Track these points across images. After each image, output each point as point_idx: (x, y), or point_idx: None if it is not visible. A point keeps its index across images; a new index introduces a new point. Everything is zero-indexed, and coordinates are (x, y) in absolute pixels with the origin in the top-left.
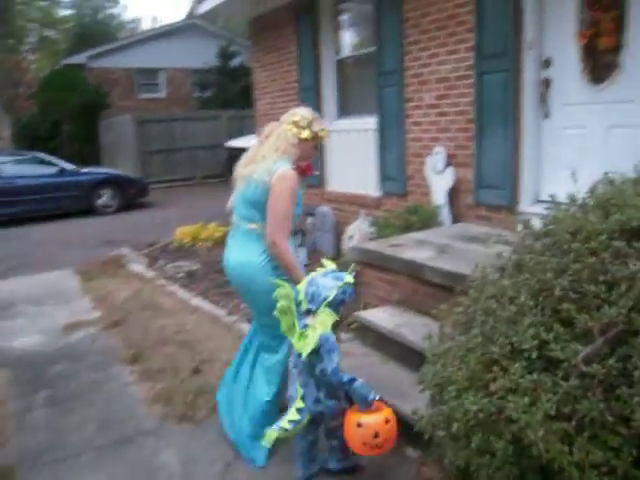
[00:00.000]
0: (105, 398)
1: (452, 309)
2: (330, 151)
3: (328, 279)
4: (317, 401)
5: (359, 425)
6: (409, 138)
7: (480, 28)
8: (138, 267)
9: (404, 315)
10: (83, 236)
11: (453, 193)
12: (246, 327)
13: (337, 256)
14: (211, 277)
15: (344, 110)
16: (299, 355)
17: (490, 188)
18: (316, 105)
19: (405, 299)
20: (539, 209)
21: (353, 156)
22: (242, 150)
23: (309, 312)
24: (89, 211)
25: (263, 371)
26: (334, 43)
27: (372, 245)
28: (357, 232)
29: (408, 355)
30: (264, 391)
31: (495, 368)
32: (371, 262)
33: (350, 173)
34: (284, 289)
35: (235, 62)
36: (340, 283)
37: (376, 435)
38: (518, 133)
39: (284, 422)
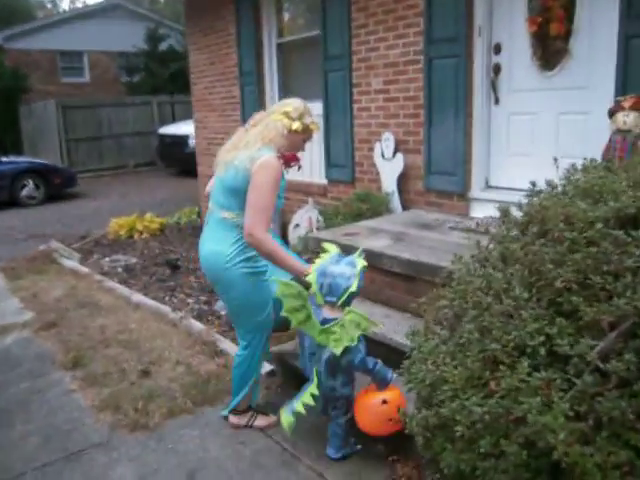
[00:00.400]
0: (46, 409)
1: (433, 303)
2: None
3: (342, 266)
4: (333, 389)
5: (384, 402)
6: (357, 124)
7: (430, 12)
8: (70, 262)
9: (362, 305)
10: (6, 230)
11: (403, 179)
12: (195, 323)
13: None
14: (151, 271)
15: (287, 95)
16: (318, 344)
17: (440, 174)
18: (257, 90)
19: (362, 289)
20: (490, 195)
21: None
22: (175, 137)
23: (327, 303)
24: (12, 203)
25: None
26: (276, 25)
27: (325, 234)
28: (303, 221)
29: (373, 348)
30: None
31: (500, 366)
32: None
33: None
34: (290, 288)
35: (164, 45)
36: (357, 270)
37: (398, 410)
38: (469, 119)
39: (298, 405)
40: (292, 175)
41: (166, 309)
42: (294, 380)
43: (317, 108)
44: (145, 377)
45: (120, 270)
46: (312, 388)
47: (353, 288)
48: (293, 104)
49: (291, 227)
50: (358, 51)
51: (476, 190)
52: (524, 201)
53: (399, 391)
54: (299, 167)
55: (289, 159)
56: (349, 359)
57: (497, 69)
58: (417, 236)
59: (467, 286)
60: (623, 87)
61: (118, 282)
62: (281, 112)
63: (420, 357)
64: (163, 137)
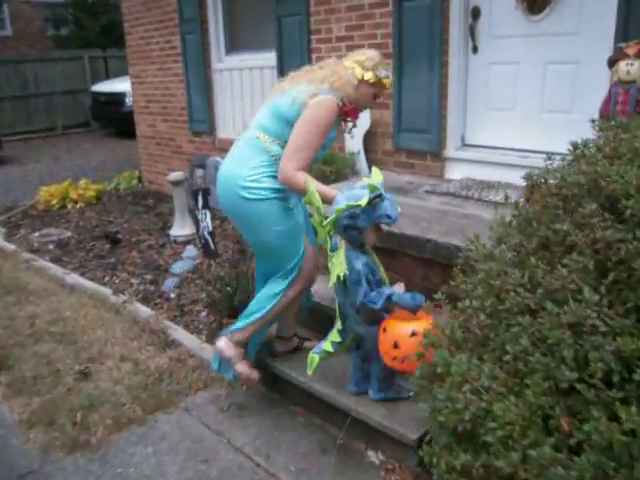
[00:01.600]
0: None
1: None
2: (220, 93)
3: (343, 196)
4: (357, 323)
5: (384, 330)
6: None
7: None
8: None
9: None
10: None
11: (369, 138)
12: (141, 308)
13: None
14: (88, 246)
15: (235, 45)
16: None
17: (412, 132)
18: (201, 39)
19: None
20: (467, 154)
21: (249, 98)
22: (110, 95)
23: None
24: None
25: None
26: None
27: None
28: None
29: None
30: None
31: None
32: None
33: (246, 118)
34: (313, 196)
35: None
36: (341, 205)
37: (395, 345)
38: (444, 69)
39: (326, 344)
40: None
41: (106, 292)
42: (261, 377)
43: (269, 59)
44: (84, 379)
45: (52, 246)
46: (339, 324)
47: (329, 219)
48: (367, 53)
49: None
50: None
51: (451, 149)
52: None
53: (410, 328)
54: (353, 126)
55: (348, 112)
56: (351, 301)
57: (476, 13)
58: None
59: (499, 280)
60: (624, 32)
61: (50, 261)
62: (354, 60)
63: (452, 380)
64: (97, 95)
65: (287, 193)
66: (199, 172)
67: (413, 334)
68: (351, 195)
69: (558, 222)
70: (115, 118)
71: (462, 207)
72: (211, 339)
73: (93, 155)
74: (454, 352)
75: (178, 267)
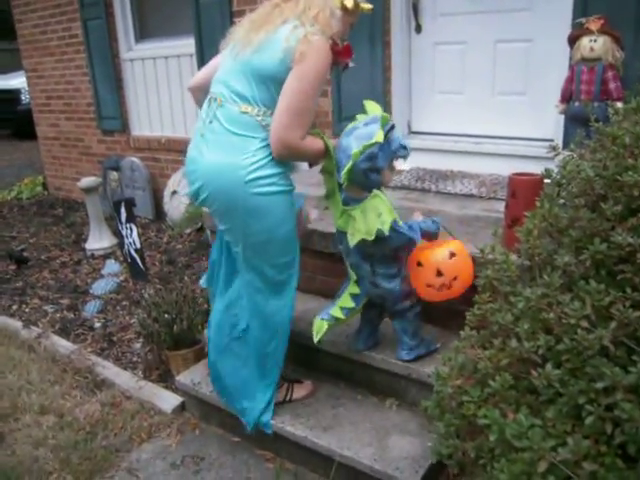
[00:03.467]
0: None
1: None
2: (132, 85)
3: (351, 139)
4: (374, 285)
5: (419, 264)
6: None
7: None
8: None
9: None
10: None
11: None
12: (60, 342)
13: (157, 219)
14: None
15: (147, 31)
16: (338, 229)
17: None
18: (106, 26)
19: None
20: (414, 142)
21: (166, 90)
22: (3, 92)
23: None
24: None
25: (257, 315)
26: None
27: None
28: (183, 187)
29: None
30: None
31: None
32: None
33: (163, 112)
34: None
35: None
36: (358, 148)
37: (439, 273)
38: (387, 50)
39: (335, 310)
40: (162, 131)
41: (15, 324)
42: (216, 417)
43: (187, 46)
44: None
45: None
46: (351, 287)
47: (347, 166)
48: None
49: (166, 194)
50: None
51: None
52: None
53: (443, 251)
54: (344, 68)
55: (341, 52)
56: (387, 244)
57: None
58: None
59: (553, 313)
60: (583, 7)
61: None
62: None
63: (519, 454)
64: None
65: (291, 180)
66: (113, 175)
67: (452, 255)
68: (360, 135)
69: (612, 232)
70: (10, 118)
71: (423, 202)
72: (149, 374)
73: None
74: (506, 411)
75: (99, 287)
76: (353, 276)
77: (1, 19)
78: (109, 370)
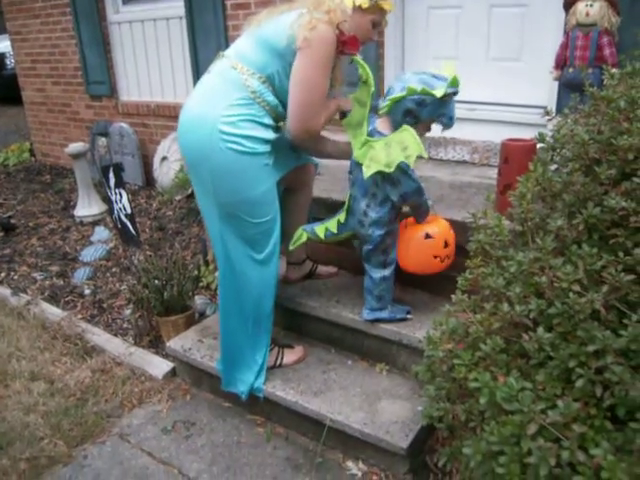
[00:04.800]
0: None
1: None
2: (120, 49)
3: (416, 77)
4: (361, 224)
5: (428, 236)
6: (232, 26)
7: None
8: None
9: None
10: None
11: None
12: (50, 309)
13: (146, 185)
14: None
15: None
16: (355, 160)
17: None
18: None
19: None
20: None
21: (154, 54)
22: None
23: (379, 112)
24: None
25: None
26: None
27: None
28: (173, 152)
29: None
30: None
31: None
32: None
33: (153, 77)
34: (365, 70)
35: None
36: (416, 88)
37: (446, 244)
38: None
39: (320, 228)
40: (151, 96)
41: (4, 292)
42: (207, 382)
43: (176, 8)
44: None
45: None
46: (341, 215)
47: (393, 95)
48: None
49: (156, 161)
50: None
51: None
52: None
53: (444, 222)
54: (350, 62)
55: (348, 42)
56: (401, 192)
57: None
58: (336, 169)
59: (545, 276)
60: None
61: None
62: None
63: (508, 416)
64: None
65: (270, 145)
66: (102, 141)
67: (450, 228)
68: (425, 80)
69: (606, 197)
70: None
71: (415, 168)
72: (140, 341)
73: None
74: (497, 375)
75: (89, 254)
76: (347, 204)
77: None
78: (99, 337)
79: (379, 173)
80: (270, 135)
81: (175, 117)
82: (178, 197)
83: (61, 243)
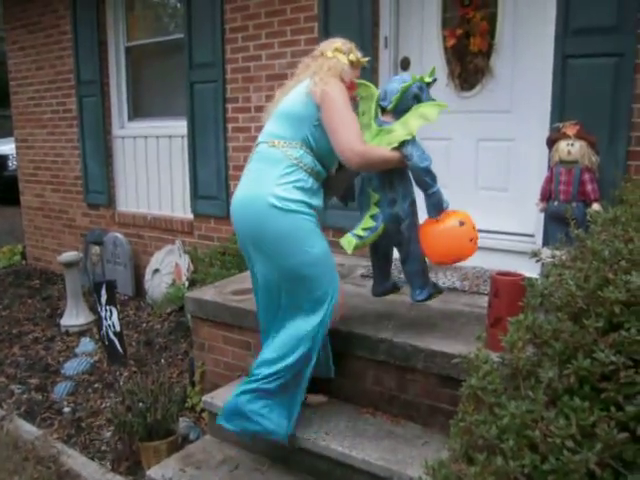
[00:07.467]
0: None
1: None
2: (121, 161)
3: (404, 76)
4: (392, 202)
5: (462, 223)
6: (232, 147)
7: (326, 17)
8: None
9: None
10: None
11: None
12: (24, 427)
13: (136, 296)
14: None
15: (140, 110)
16: None
17: (336, 208)
18: (101, 103)
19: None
20: None
21: (155, 168)
22: None
23: (384, 111)
24: None
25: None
26: (125, 24)
27: (209, 295)
28: (166, 266)
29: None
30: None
31: None
32: (211, 318)
33: (151, 190)
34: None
35: None
36: (416, 76)
37: (474, 228)
38: None
39: (358, 230)
40: (148, 208)
41: None
42: None
43: (179, 127)
44: None
45: None
46: (371, 209)
47: (403, 86)
48: (337, 39)
49: (148, 272)
50: (233, 59)
51: None
52: None
53: (461, 211)
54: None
55: (349, 86)
56: (408, 153)
57: (406, 64)
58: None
59: (538, 429)
60: (560, 111)
61: None
62: (332, 50)
63: None
64: None
65: (316, 210)
66: (95, 249)
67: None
68: (405, 77)
69: (595, 347)
70: None
71: (405, 294)
72: (118, 466)
73: None
74: None
75: (71, 367)
76: (375, 197)
77: None
78: (75, 460)
79: (394, 172)
80: (315, 202)
81: (171, 230)
82: (168, 310)
83: (44, 353)
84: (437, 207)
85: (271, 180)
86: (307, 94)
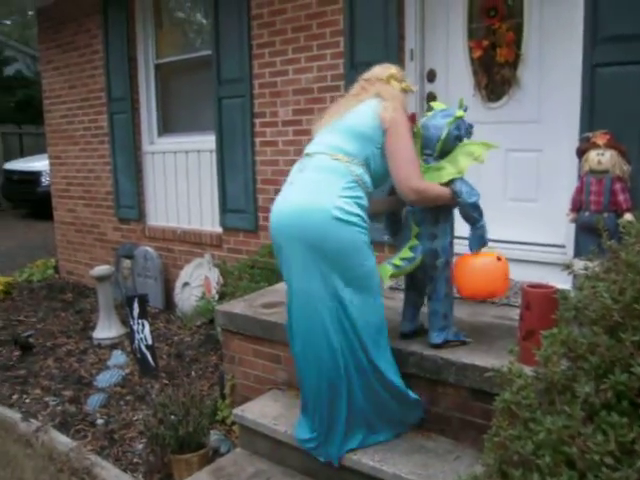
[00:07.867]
0: None
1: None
2: (151, 176)
3: (437, 119)
4: (433, 237)
5: (499, 259)
6: (259, 161)
7: (352, 31)
8: None
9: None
10: None
11: None
12: (59, 438)
13: (166, 309)
14: None
15: (169, 126)
16: None
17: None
18: (131, 120)
19: (294, 379)
20: None
21: (184, 183)
22: (24, 174)
23: (430, 156)
24: None
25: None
26: (155, 42)
27: (239, 308)
28: (195, 279)
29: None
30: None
31: None
32: (241, 331)
33: (180, 204)
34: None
35: (10, 70)
36: (450, 119)
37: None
38: None
39: (395, 259)
40: (178, 222)
41: (14, 416)
42: None
43: (208, 142)
44: None
45: None
46: (412, 241)
47: (443, 136)
48: (392, 66)
49: (178, 285)
50: (260, 74)
51: None
52: None
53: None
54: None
55: (410, 118)
56: (457, 190)
57: (431, 99)
58: None
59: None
60: (590, 120)
61: None
62: (386, 76)
63: None
64: (10, 173)
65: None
66: (126, 263)
67: None
68: (446, 114)
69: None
70: (30, 199)
71: None
72: (150, 478)
73: (3, 239)
74: None
75: (104, 380)
76: (415, 230)
77: (30, 104)
78: (108, 472)
79: (440, 209)
80: (367, 219)
81: (200, 244)
82: (198, 323)
83: (77, 366)
84: (480, 241)
85: (334, 192)
86: (374, 117)
